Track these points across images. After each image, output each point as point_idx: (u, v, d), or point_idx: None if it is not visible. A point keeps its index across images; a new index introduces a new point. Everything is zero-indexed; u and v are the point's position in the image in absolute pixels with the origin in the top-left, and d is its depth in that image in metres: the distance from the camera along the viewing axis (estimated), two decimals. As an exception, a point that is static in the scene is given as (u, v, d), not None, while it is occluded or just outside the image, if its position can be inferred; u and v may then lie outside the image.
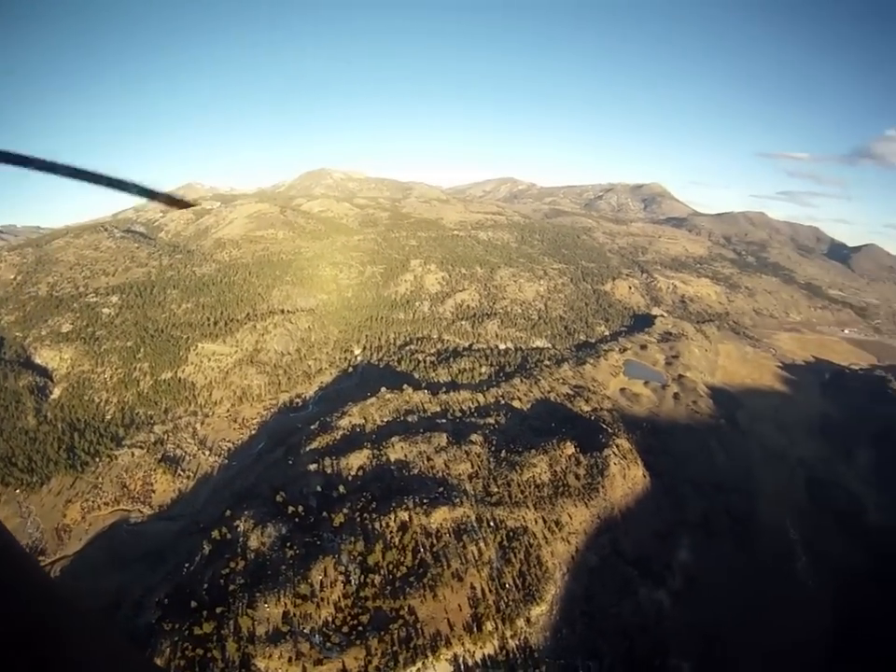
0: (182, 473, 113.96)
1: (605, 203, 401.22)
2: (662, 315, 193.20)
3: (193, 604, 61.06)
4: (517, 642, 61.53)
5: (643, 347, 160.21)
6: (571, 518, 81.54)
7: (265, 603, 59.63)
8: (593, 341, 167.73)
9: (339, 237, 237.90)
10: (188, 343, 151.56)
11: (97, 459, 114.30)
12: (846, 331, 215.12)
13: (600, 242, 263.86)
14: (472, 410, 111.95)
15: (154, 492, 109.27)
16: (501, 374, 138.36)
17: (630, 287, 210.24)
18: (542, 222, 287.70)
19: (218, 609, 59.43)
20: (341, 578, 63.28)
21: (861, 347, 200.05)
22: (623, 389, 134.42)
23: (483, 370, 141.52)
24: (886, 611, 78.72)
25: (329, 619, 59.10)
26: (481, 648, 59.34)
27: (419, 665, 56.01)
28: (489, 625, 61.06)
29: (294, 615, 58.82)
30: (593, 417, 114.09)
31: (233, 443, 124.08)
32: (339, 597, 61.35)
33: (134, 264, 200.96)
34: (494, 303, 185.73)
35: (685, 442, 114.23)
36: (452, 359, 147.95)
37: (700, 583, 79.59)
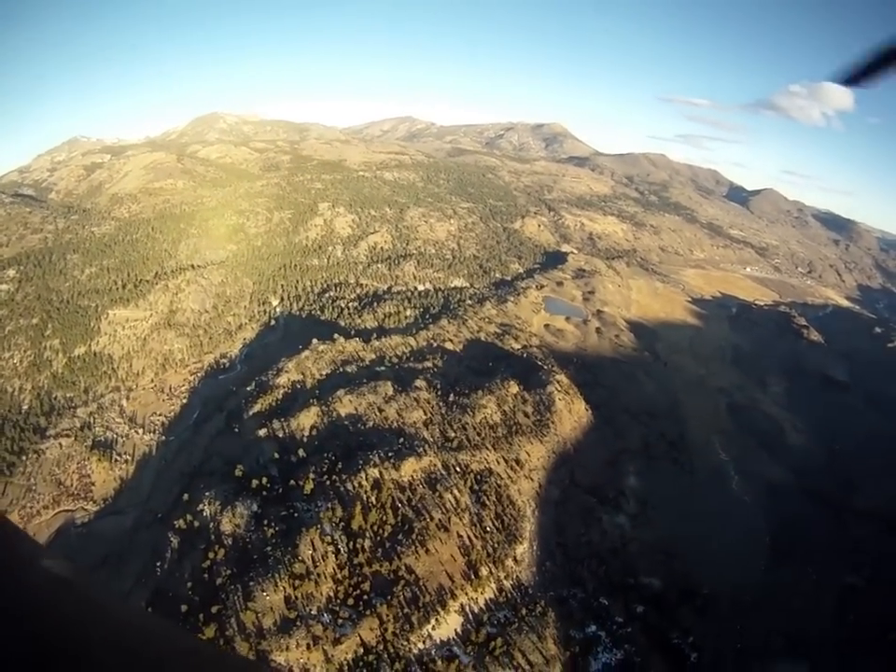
0: (119, 458, 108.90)
1: (506, 142, 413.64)
2: (572, 252, 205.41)
3: (184, 608, 58.62)
4: (511, 582, 67.13)
5: (559, 284, 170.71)
6: (529, 455, 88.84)
7: (263, 591, 58.13)
8: (509, 278, 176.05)
9: (241, 183, 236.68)
10: (97, 311, 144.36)
11: (23, 458, 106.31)
12: (748, 269, 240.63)
13: (506, 181, 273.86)
14: (407, 355, 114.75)
15: (94, 484, 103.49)
16: (427, 317, 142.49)
17: (539, 225, 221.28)
18: (446, 161, 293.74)
19: (214, 609, 57.28)
20: (330, 549, 63.36)
21: (763, 284, 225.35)
22: (547, 325, 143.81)
23: (409, 313, 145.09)
24: (809, 516, 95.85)
25: (332, 594, 59.28)
26: (482, 593, 63.79)
27: (433, 621, 58.79)
28: (484, 570, 65.75)
29: (296, 598, 58.14)
30: (525, 355, 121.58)
31: (165, 416, 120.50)
32: (334, 570, 61.65)
33: (28, 231, 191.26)
34: (407, 244, 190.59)
35: (615, 375, 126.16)
36: (375, 304, 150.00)
37: (651, 504, 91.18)
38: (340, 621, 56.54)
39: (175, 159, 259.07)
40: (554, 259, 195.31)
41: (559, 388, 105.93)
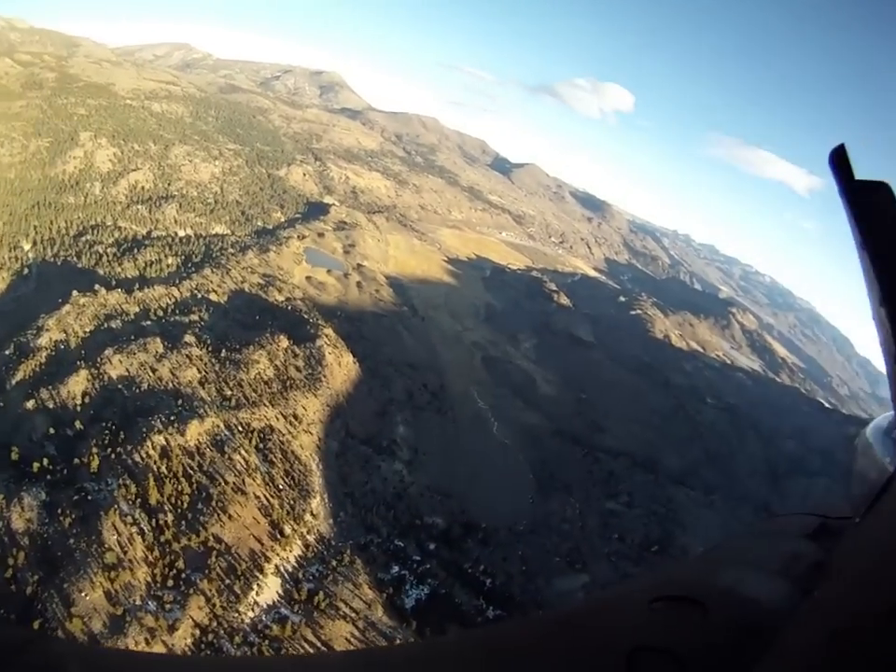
0: None
1: (281, 85, 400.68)
2: (335, 205, 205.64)
3: (-6, 633, 49.60)
4: (314, 536, 69.03)
5: (321, 235, 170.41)
6: (306, 410, 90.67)
7: (81, 592, 53.62)
8: (271, 227, 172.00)
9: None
10: None
11: None
12: (503, 234, 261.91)
13: (276, 124, 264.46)
14: (172, 307, 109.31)
15: None
16: (190, 265, 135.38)
17: (305, 174, 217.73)
18: (217, 97, 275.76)
19: (36, 625, 51.10)
20: (134, 530, 60.36)
21: (517, 250, 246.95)
22: (308, 277, 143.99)
23: (171, 261, 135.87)
24: (566, 455, 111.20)
25: (149, 579, 56.98)
26: (291, 552, 64.99)
27: (255, 588, 59.12)
28: (287, 528, 66.95)
29: (116, 591, 54.69)
30: (290, 307, 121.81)
31: None
32: (144, 552, 58.94)
33: None
34: (169, 185, 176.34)
35: (376, 329, 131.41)
36: (136, 250, 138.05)
37: (422, 451, 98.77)
38: (167, 606, 54.90)
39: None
40: (317, 210, 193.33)
41: (328, 342, 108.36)
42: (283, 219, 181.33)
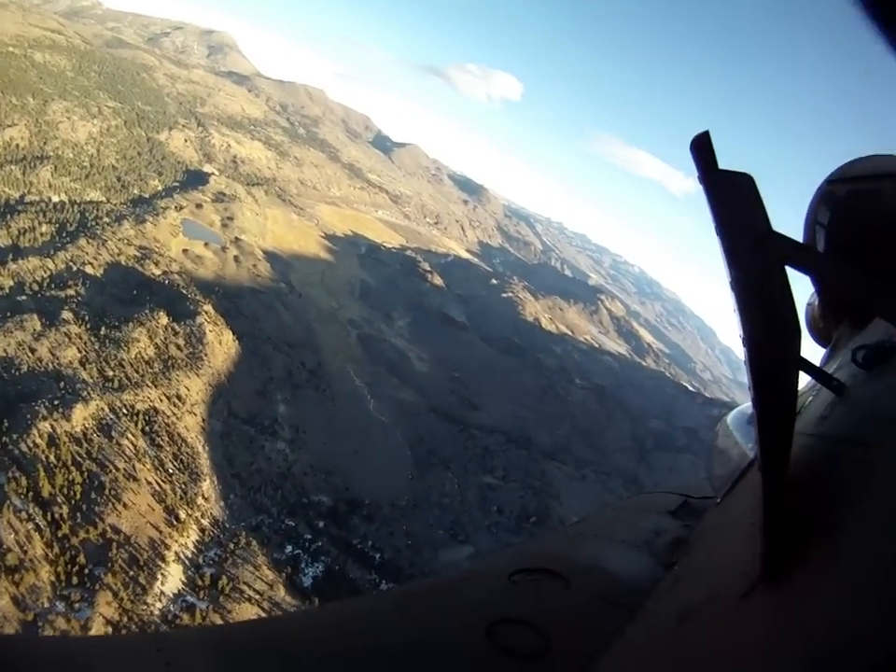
0: None
1: (170, 42, 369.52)
2: (214, 174, 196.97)
3: None
4: (208, 520, 69.76)
5: (199, 206, 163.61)
6: (189, 390, 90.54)
7: None
8: (147, 196, 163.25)
9: None
10: None
11: None
12: (380, 212, 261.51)
13: (160, 83, 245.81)
14: (48, 281, 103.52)
15: None
16: (64, 234, 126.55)
17: (186, 140, 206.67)
18: (103, 51, 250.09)
19: None
20: (31, 527, 58.49)
21: (392, 229, 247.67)
22: (185, 250, 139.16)
23: (45, 229, 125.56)
24: (442, 432, 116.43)
25: (53, 579, 55.52)
26: (188, 537, 65.31)
27: (159, 577, 59.15)
28: (182, 513, 67.09)
29: (23, 596, 52.86)
30: (167, 282, 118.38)
31: None
32: (43, 550, 57.18)
33: None
34: (45, 144, 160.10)
35: (255, 305, 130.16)
36: (8, 217, 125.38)
37: (303, 429, 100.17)
38: (76, 605, 54.41)
39: None
40: (196, 180, 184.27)
41: (208, 319, 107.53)
42: (160, 188, 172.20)
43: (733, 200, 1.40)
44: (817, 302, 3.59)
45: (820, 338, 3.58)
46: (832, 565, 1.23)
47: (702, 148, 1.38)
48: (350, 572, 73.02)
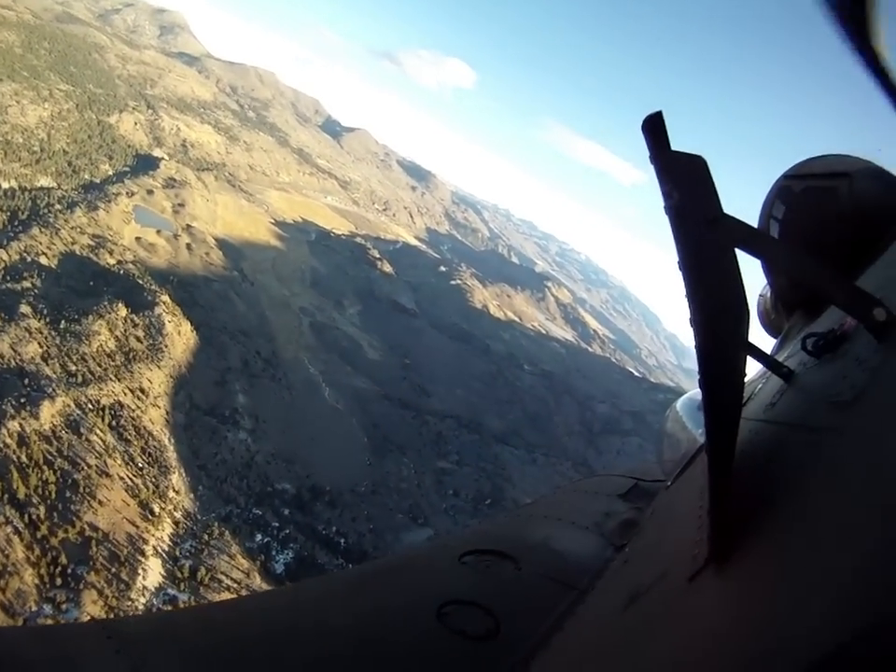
0: None
1: (121, 20, 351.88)
2: (165, 159, 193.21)
3: None
4: (181, 512, 71.86)
5: (150, 193, 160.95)
6: (151, 382, 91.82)
7: None
8: (98, 181, 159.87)
9: None
10: None
11: None
12: (328, 199, 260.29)
13: (111, 64, 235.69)
14: (2, 273, 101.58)
15: None
16: (17, 223, 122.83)
17: (136, 123, 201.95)
18: (53, 27, 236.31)
19: None
20: (9, 530, 58.09)
21: (341, 215, 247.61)
22: (138, 238, 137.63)
23: None
24: (396, 418, 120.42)
25: (37, 581, 55.63)
26: (164, 531, 67.19)
27: (140, 572, 60.46)
28: (157, 507, 68.84)
29: (11, 602, 52.78)
30: (122, 272, 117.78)
31: None
32: (24, 553, 57.10)
33: None
34: None
35: (209, 294, 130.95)
36: None
37: (262, 418, 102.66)
38: (63, 606, 54.64)
39: None
40: (146, 164, 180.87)
41: (166, 310, 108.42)
42: (111, 172, 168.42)
43: (684, 181, 1.32)
44: (769, 294, 3.66)
45: (772, 329, 3.68)
46: (777, 548, 1.23)
47: (654, 129, 1.30)
48: (318, 557, 76.16)
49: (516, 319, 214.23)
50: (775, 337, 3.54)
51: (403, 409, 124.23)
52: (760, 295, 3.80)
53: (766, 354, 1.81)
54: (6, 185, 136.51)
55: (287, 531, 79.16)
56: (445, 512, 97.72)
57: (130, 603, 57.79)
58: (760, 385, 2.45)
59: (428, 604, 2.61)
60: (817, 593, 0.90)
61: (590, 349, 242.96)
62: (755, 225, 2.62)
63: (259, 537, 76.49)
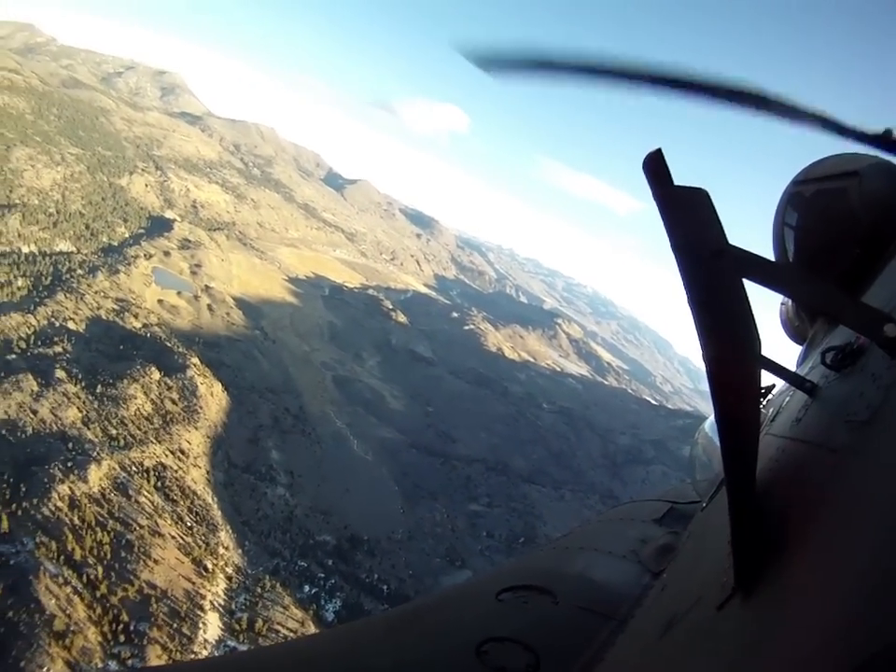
0: None
1: (123, 83, 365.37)
2: (177, 220, 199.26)
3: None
4: (232, 568, 74.40)
5: (167, 254, 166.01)
6: (190, 443, 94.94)
7: (42, 668, 51.80)
8: (116, 244, 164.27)
9: None
10: None
11: None
12: (337, 252, 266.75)
13: (117, 127, 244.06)
14: (33, 338, 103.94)
15: None
16: (41, 288, 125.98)
17: (146, 185, 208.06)
18: (60, 92, 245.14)
19: None
20: (69, 590, 59.35)
21: (351, 267, 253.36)
22: (160, 301, 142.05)
23: (21, 283, 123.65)
24: (424, 465, 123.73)
25: (100, 639, 56.67)
26: (218, 586, 69.58)
27: (201, 626, 62.35)
28: (209, 563, 71.34)
29: (76, 660, 53.92)
30: (149, 335, 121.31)
31: None
32: (86, 612, 58.38)
33: None
34: (11, 192, 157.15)
35: (235, 354, 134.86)
36: None
37: (297, 473, 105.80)
38: (128, 662, 55.59)
39: None
40: (160, 226, 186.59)
41: (198, 372, 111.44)
42: (127, 234, 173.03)
43: (687, 215, 1.31)
44: (791, 302, 3.62)
45: (797, 336, 3.64)
46: (802, 578, 1.23)
47: (655, 166, 1.28)
48: (365, 604, 78.68)
49: (531, 359, 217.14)
50: (800, 344, 3.58)
51: (430, 456, 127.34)
52: (781, 304, 3.81)
53: (788, 370, 1.80)
54: (26, 249, 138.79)
55: (333, 581, 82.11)
56: (481, 554, 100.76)
57: (193, 656, 58.91)
58: (787, 398, 2.50)
59: (467, 642, 2.63)
60: (842, 622, 0.88)
61: (605, 382, 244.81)
62: (770, 235, 2.97)
63: (307, 587, 79.53)
